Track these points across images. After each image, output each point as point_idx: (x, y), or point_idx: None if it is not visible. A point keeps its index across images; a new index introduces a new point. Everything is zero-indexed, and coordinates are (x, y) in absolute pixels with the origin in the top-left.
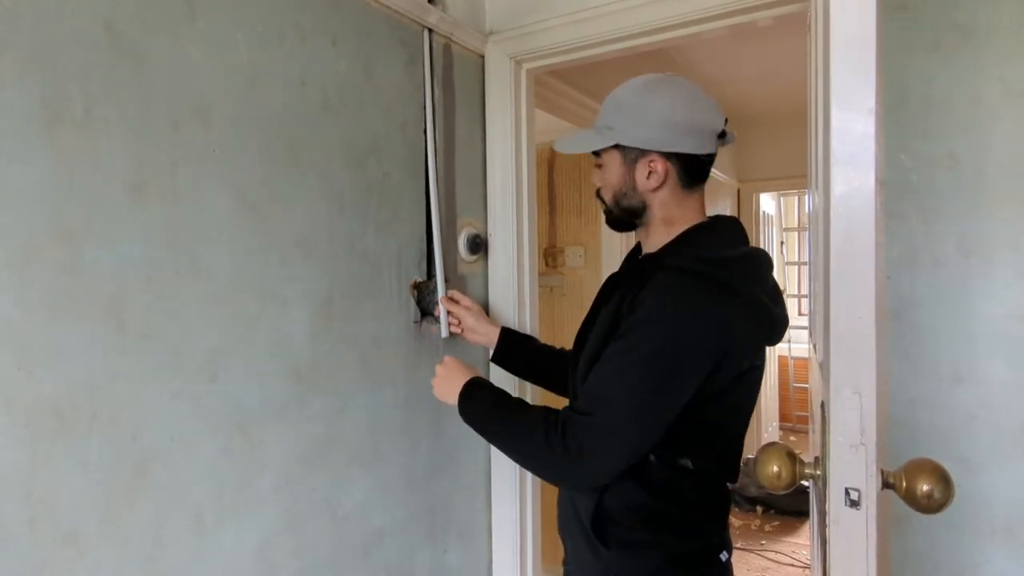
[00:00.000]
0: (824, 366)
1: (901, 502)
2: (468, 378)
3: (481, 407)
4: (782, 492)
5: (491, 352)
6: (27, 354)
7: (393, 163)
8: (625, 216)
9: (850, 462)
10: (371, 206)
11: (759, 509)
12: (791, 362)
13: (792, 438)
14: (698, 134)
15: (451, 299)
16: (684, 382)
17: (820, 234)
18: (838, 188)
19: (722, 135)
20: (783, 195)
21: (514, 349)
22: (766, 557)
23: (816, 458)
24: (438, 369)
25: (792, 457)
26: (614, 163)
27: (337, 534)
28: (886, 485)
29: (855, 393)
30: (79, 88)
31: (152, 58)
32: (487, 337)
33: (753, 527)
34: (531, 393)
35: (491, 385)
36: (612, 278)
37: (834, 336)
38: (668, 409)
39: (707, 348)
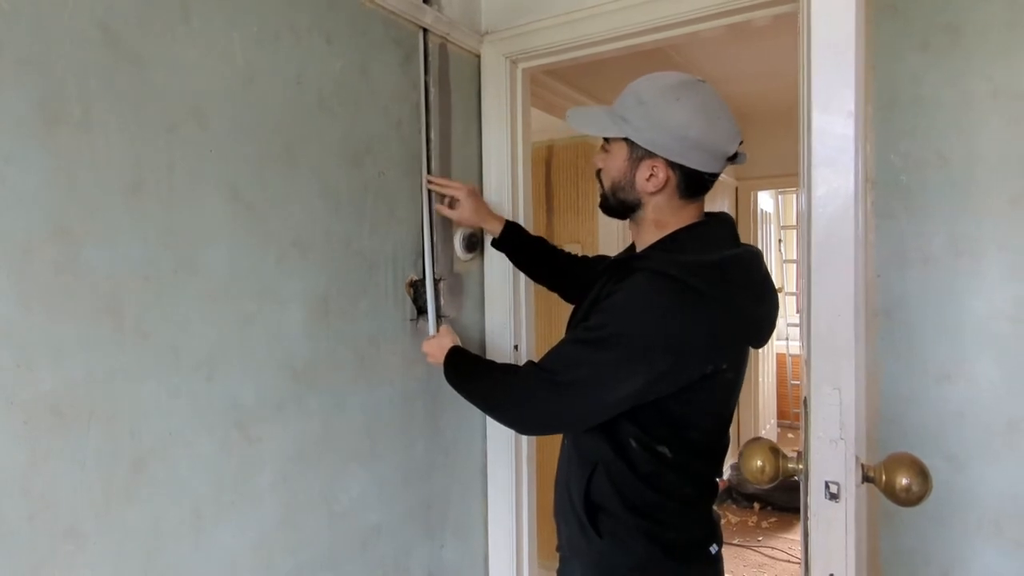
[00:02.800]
0: (806, 363)
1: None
2: (453, 344)
3: (461, 364)
4: (767, 486)
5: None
6: (26, 352)
7: (389, 162)
8: (619, 207)
9: (830, 456)
10: (367, 205)
11: (756, 505)
12: (789, 359)
13: (790, 435)
14: (707, 153)
15: (438, 184)
16: (631, 372)
17: (804, 233)
18: (819, 189)
19: (733, 156)
20: (781, 193)
21: (520, 238)
22: (762, 553)
23: (798, 453)
24: (427, 341)
25: (775, 452)
26: (620, 154)
27: (334, 530)
28: (866, 479)
29: (835, 389)
30: (76, 89)
31: (148, 59)
32: (490, 226)
33: (750, 523)
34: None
35: (468, 352)
36: (595, 275)
37: (814, 334)
38: (609, 390)
39: (664, 346)
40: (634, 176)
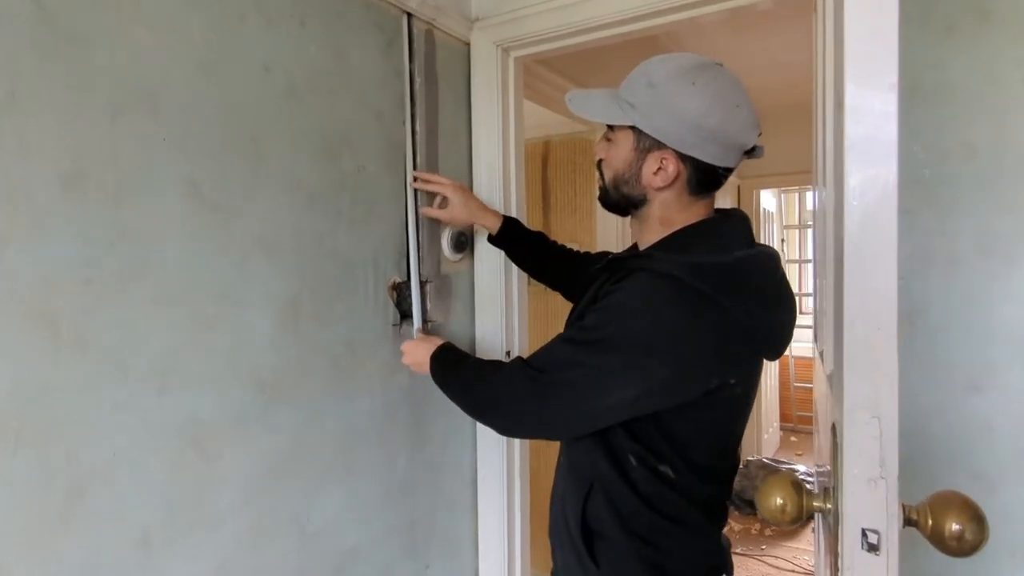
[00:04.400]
0: (835, 382)
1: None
2: (437, 344)
3: (449, 363)
4: (787, 527)
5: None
6: None
7: (368, 155)
8: (621, 202)
9: (867, 499)
10: (343, 201)
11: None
12: (792, 361)
13: (793, 438)
14: (724, 145)
15: (423, 180)
16: (624, 379)
17: (828, 232)
18: (853, 177)
19: (751, 149)
20: (784, 191)
21: (519, 234)
22: (766, 563)
23: (826, 489)
24: (407, 343)
25: (799, 488)
26: (625, 144)
27: (306, 553)
28: (908, 522)
29: (874, 417)
30: (2, 69)
31: (91, 39)
32: (485, 222)
33: (753, 531)
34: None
35: (458, 349)
36: (595, 271)
37: (848, 348)
38: (599, 396)
39: (663, 354)
40: (640, 169)
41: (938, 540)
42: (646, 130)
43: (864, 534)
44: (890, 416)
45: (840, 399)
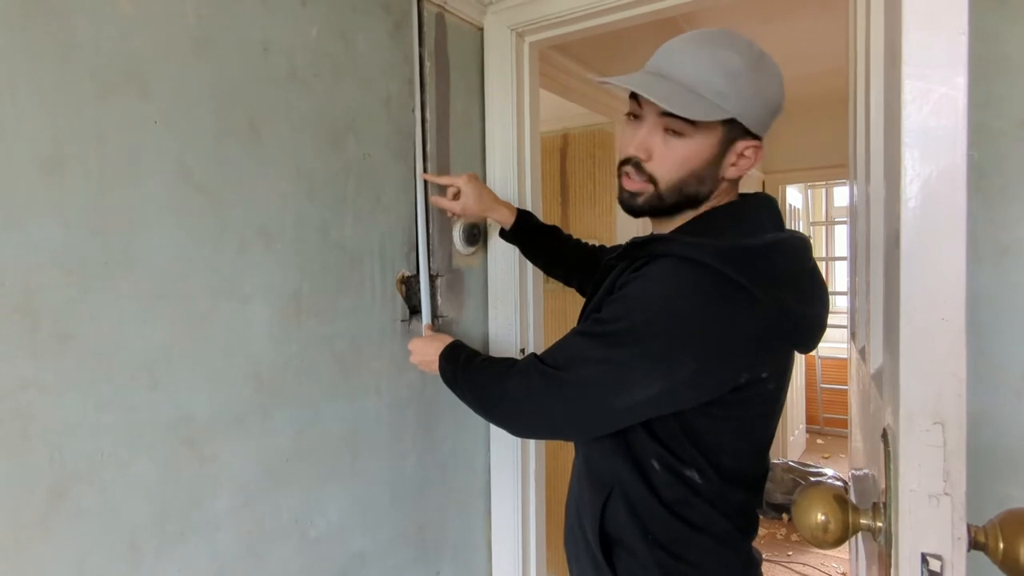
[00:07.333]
0: (887, 382)
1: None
2: (447, 342)
3: (459, 362)
4: (829, 548)
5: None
6: None
7: (375, 142)
8: (681, 202)
9: (928, 519)
10: (348, 190)
11: (785, 516)
12: (819, 361)
13: (819, 441)
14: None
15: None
16: (646, 375)
17: (876, 216)
18: (912, 143)
19: None
20: (810, 187)
21: (534, 228)
22: (793, 570)
23: (875, 504)
24: (415, 340)
25: (843, 503)
26: (708, 141)
27: (308, 559)
28: (975, 545)
29: (936, 423)
30: None
31: (71, 11)
32: (498, 215)
33: (779, 536)
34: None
35: (468, 347)
36: (611, 260)
37: (905, 344)
38: (618, 393)
39: (689, 347)
40: (721, 163)
41: (1012, 568)
42: (745, 122)
43: (924, 560)
44: (956, 422)
45: (895, 402)
